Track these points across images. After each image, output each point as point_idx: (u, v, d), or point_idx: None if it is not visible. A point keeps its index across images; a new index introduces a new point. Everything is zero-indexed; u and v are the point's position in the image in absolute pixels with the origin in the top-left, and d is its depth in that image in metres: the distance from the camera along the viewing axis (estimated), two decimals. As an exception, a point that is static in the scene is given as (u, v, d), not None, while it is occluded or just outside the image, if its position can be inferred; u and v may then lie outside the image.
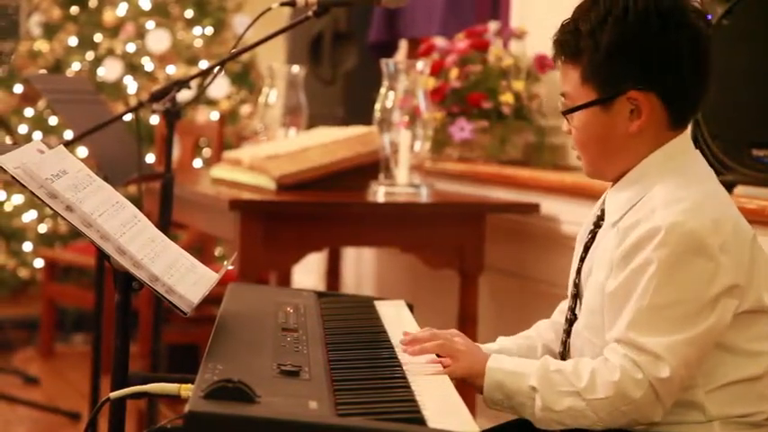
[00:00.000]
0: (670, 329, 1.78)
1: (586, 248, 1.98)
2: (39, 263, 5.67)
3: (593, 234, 1.98)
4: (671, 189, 1.85)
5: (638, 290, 1.80)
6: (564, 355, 2.00)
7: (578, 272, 1.99)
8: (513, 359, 1.91)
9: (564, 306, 2.11)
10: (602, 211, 1.98)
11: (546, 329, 2.13)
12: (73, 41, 5.87)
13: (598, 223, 1.98)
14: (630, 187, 1.91)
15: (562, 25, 1.93)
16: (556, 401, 1.81)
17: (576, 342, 1.97)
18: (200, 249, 5.12)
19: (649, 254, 1.79)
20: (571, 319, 1.99)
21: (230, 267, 2.05)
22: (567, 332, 1.99)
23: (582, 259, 1.99)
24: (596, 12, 1.87)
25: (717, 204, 1.85)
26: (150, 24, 5.88)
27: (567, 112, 1.93)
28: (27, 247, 5.78)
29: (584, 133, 1.92)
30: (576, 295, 1.99)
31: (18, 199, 5.77)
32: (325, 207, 3.30)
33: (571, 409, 1.80)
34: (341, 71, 5.02)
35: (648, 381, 1.77)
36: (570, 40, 1.90)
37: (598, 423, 1.81)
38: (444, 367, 1.87)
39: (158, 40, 5.86)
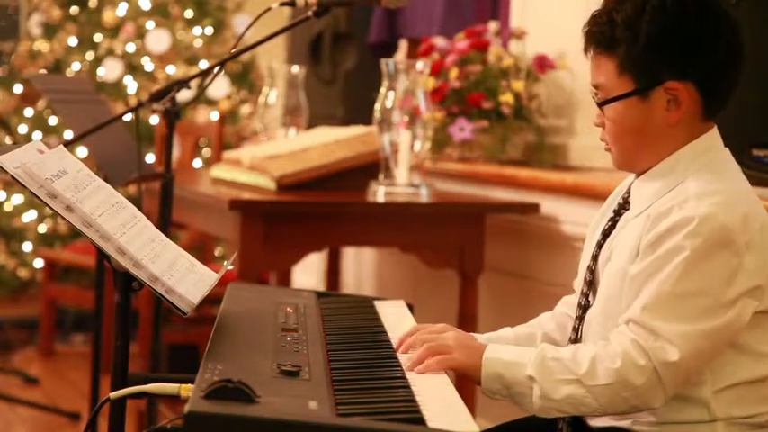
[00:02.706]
0: (687, 318, 1.77)
1: (605, 235, 1.97)
2: (39, 263, 5.67)
3: (614, 222, 1.96)
4: (704, 182, 1.84)
5: (662, 274, 1.78)
6: (576, 341, 1.97)
7: (595, 258, 1.97)
8: (510, 348, 1.89)
9: (569, 298, 2.10)
10: (624, 199, 1.97)
11: (547, 320, 2.12)
12: (73, 41, 5.87)
13: (619, 211, 1.97)
14: (660, 179, 1.89)
15: (593, 16, 1.91)
16: (554, 390, 1.80)
17: (589, 328, 1.95)
18: (201, 249, 5.12)
19: (681, 241, 1.78)
20: (585, 305, 1.97)
21: (230, 267, 2.05)
22: (581, 318, 1.98)
23: (599, 245, 1.97)
24: (632, 2, 1.85)
25: (749, 202, 1.85)
26: (150, 24, 5.88)
27: (604, 103, 1.90)
28: (27, 247, 5.78)
29: (620, 125, 1.90)
30: (591, 281, 1.97)
31: (18, 199, 5.77)
32: (325, 207, 3.30)
33: (570, 396, 1.79)
34: (341, 71, 5.02)
35: (652, 366, 1.76)
36: (605, 31, 1.87)
37: (599, 410, 1.81)
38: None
39: (158, 40, 5.86)
